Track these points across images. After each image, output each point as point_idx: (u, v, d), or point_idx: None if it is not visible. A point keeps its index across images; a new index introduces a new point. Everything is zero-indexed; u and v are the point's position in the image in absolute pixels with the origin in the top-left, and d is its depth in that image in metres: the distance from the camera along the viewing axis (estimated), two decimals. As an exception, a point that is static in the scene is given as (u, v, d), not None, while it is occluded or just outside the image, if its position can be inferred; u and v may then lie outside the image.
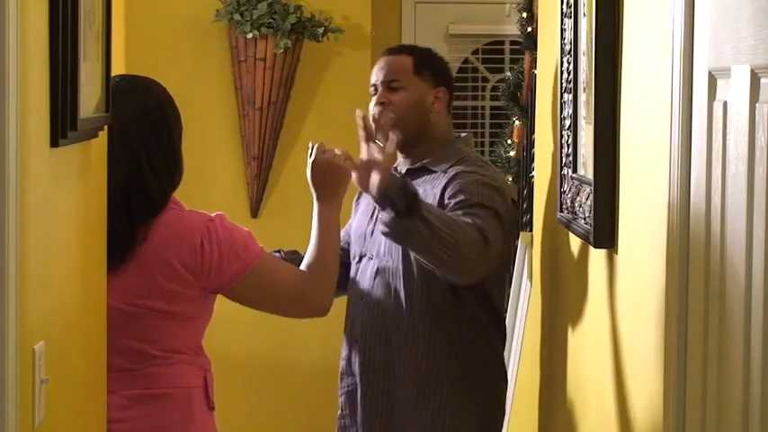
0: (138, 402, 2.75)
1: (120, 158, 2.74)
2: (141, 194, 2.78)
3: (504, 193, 3.34)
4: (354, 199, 3.68)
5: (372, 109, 3.47)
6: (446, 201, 3.28)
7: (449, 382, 3.37)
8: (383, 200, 2.99)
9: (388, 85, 3.45)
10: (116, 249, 2.72)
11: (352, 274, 3.52)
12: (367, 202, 3.55)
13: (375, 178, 2.98)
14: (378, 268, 3.41)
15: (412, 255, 3.27)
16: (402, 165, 3.51)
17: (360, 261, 3.50)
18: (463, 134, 3.57)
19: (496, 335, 3.47)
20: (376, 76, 3.50)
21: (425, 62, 3.49)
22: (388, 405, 3.41)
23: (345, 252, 3.59)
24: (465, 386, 3.40)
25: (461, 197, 3.25)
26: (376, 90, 3.49)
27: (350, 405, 3.49)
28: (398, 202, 2.96)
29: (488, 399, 3.44)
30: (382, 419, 3.42)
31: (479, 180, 3.29)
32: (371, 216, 3.50)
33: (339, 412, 3.56)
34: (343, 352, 3.52)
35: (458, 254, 3.04)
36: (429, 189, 3.36)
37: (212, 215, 2.84)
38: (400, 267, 3.37)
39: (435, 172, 3.39)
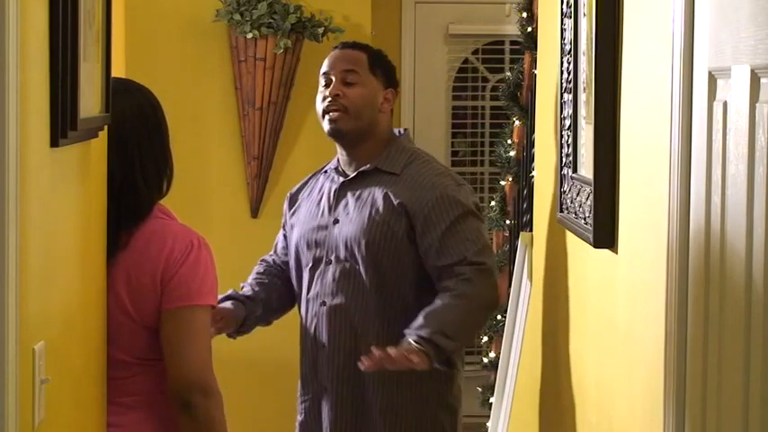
0: (132, 409, 2.73)
1: (116, 160, 2.70)
2: (129, 199, 2.72)
3: (460, 181, 3.48)
4: (286, 205, 3.65)
5: (322, 102, 3.46)
6: (424, 218, 3.36)
7: (422, 377, 3.36)
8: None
9: (344, 78, 3.45)
10: None
11: (305, 280, 3.49)
12: (308, 207, 3.54)
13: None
14: (341, 271, 3.40)
15: (374, 256, 3.37)
16: (348, 167, 3.51)
17: (314, 266, 3.47)
18: (402, 130, 3.60)
19: None
20: (331, 65, 3.48)
21: (379, 61, 3.52)
22: (357, 407, 3.41)
23: (284, 265, 3.61)
24: (436, 380, 3.42)
25: (441, 229, 3.35)
26: (327, 81, 3.47)
27: (314, 411, 3.48)
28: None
29: (456, 389, 3.50)
30: (350, 421, 3.41)
31: (446, 190, 3.40)
32: (321, 219, 3.48)
33: (300, 418, 3.54)
34: (305, 358, 3.51)
35: (487, 313, 3.47)
36: (387, 190, 3.40)
37: (199, 237, 2.75)
38: (363, 269, 3.37)
39: (391, 173, 3.43)
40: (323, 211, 3.49)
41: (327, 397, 3.44)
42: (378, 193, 3.40)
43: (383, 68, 3.52)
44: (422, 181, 3.40)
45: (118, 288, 2.68)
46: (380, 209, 3.38)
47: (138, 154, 2.74)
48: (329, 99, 3.43)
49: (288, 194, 3.67)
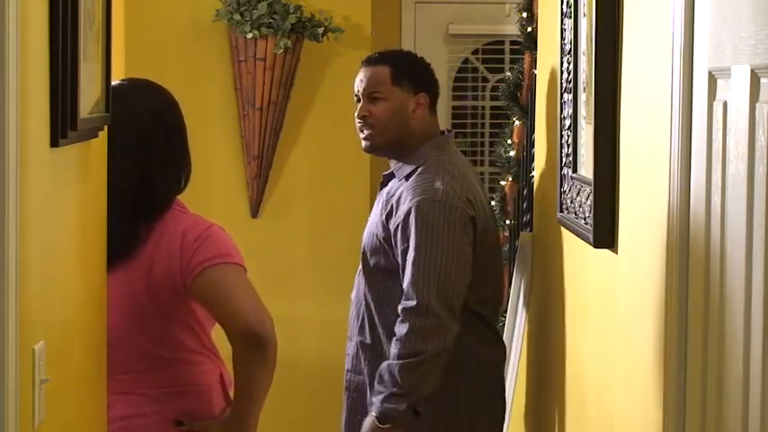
0: (157, 401, 2.80)
1: (136, 159, 2.79)
2: (149, 196, 2.80)
3: (453, 206, 3.36)
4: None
5: (356, 120, 3.58)
6: (395, 243, 3.39)
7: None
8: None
9: (369, 96, 3.54)
10: (120, 248, 2.76)
11: None
12: (375, 205, 3.66)
13: None
14: (359, 270, 3.58)
15: (370, 261, 3.49)
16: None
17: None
18: (445, 131, 3.64)
19: (468, 327, 3.47)
20: (357, 86, 3.59)
21: (403, 70, 3.56)
22: (356, 397, 3.55)
23: None
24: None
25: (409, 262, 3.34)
26: (359, 99, 3.58)
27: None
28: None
29: (458, 386, 3.49)
30: (352, 410, 3.56)
31: (421, 215, 3.32)
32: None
33: None
34: None
35: (428, 360, 3.28)
36: (389, 198, 3.47)
37: (215, 224, 2.86)
38: (367, 271, 3.52)
39: (401, 179, 3.50)
40: (377, 212, 3.61)
41: (344, 387, 3.62)
42: (383, 201, 3.52)
43: (410, 76, 3.56)
44: (406, 192, 3.42)
45: (141, 281, 2.76)
46: (378, 217, 3.50)
47: (158, 152, 2.83)
48: (359, 120, 3.55)
49: None
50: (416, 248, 3.30)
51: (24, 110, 1.85)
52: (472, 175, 3.56)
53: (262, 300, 2.82)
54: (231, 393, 2.94)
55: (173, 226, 2.81)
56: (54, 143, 2.03)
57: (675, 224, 2.17)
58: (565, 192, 3.23)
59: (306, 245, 5.47)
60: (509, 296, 4.45)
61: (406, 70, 3.57)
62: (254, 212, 5.53)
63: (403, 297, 3.32)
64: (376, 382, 3.33)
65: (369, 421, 3.33)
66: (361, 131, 3.56)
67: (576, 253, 3.22)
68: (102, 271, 2.60)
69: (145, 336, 2.81)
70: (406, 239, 3.35)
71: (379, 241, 3.45)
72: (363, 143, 3.58)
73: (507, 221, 4.95)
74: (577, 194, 3.03)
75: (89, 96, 2.29)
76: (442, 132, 3.63)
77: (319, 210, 5.52)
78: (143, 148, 2.81)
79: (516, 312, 4.27)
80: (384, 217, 3.45)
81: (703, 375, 2.05)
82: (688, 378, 2.13)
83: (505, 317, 4.51)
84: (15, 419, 1.83)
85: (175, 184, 2.87)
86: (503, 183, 5.03)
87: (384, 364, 3.31)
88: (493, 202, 5.11)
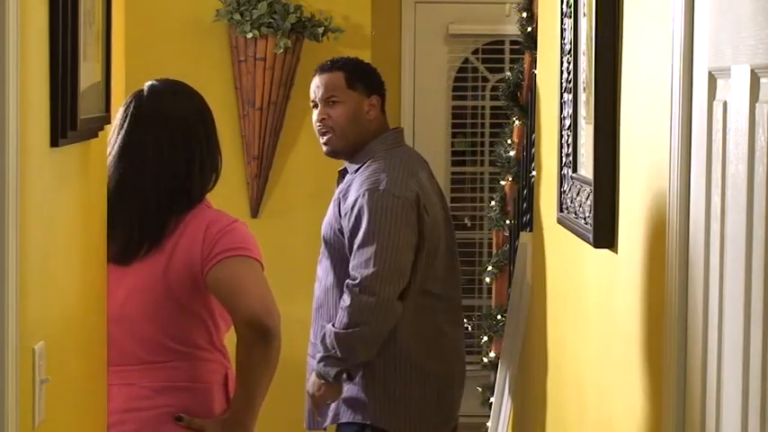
0: (160, 393, 2.84)
1: (182, 157, 2.94)
2: (185, 191, 2.93)
3: (395, 194, 3.55)
4: None
5: (316, 124, 3.75)
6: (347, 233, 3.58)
7: None
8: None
9: (327, 101, 3.72)
10: (149, 240, 2.89)
11: None
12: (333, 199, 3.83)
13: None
14: (320, 259, 3.75)
15: (328, 250, 3.67)
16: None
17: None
18: (394, 130, 3.80)
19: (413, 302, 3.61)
20: (314, 93, 3.77)
21: (356, 75, 3.76)
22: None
23: None
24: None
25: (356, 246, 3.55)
26: (316, 105, 3.76)
27: None
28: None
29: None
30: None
31: (366, 203, 3.53)
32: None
33: None
34: None
35: (358, 334, 3.50)
36: (343, 191, 3.67)
37: (237, 219, 2.96)
38: (324, 260, 3.69)
39: (352, 174, 3.70)
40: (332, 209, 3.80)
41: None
42: (337, 193, 3.72)
43: (362, 80, 3.76)
44: (354, 184, 3.62)
45: (161, 270, 2.87)
46: (333, 209, 3.69)
47: (200, 149, 2.98)
48: (319, 123, 3.74)
49: None
50: (363, 234, 3.51)
51: (24, 110, 1.86)
52: (420, 167, 3.70)
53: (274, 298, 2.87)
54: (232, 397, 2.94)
55: (198, 218, 2.91)
56: (54, 143, 2.03)
57: (675, 224, 2.17)
58: (565, 192, 3.23)
59: (306, 245, 5.46)
60: (509, 296, 4.45)
61: (359, 75, 3.76)
62: (254, 212, 5.53)
63: (350, 276, 3.52)
64: (319, 342, 3.56)
65: (312, 378, 3.59)
66: (322, 136, 3.73)
67: (576, 253, 3.22)
68: (102, 271, 2.60)
69: (158, 326, 2.87)
70: (353, 228, 3.53)
71: (334, 232, 3.63)
72: (324, 148, 3.75)
73: (507, 221, 4.95)
74: (577, 194, 3.03)
75: (89, 96, 2.29)
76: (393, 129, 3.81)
77: (319, 210, 5.49)
78: (189, 146, 2.96)
79: (516, 312, 4.28)
80: (337, 208, 3.64)
81: (703, 375, 2.05)
82: (688, 378, 2.13)
83: (505, 317, 4.51)
84: (15, 419, 1.83)
85: (208, 181, 3.00)
86: (503, 183, 5.03)
87: (328, 327, 3.54)
88: (493, 203, 5.11)
